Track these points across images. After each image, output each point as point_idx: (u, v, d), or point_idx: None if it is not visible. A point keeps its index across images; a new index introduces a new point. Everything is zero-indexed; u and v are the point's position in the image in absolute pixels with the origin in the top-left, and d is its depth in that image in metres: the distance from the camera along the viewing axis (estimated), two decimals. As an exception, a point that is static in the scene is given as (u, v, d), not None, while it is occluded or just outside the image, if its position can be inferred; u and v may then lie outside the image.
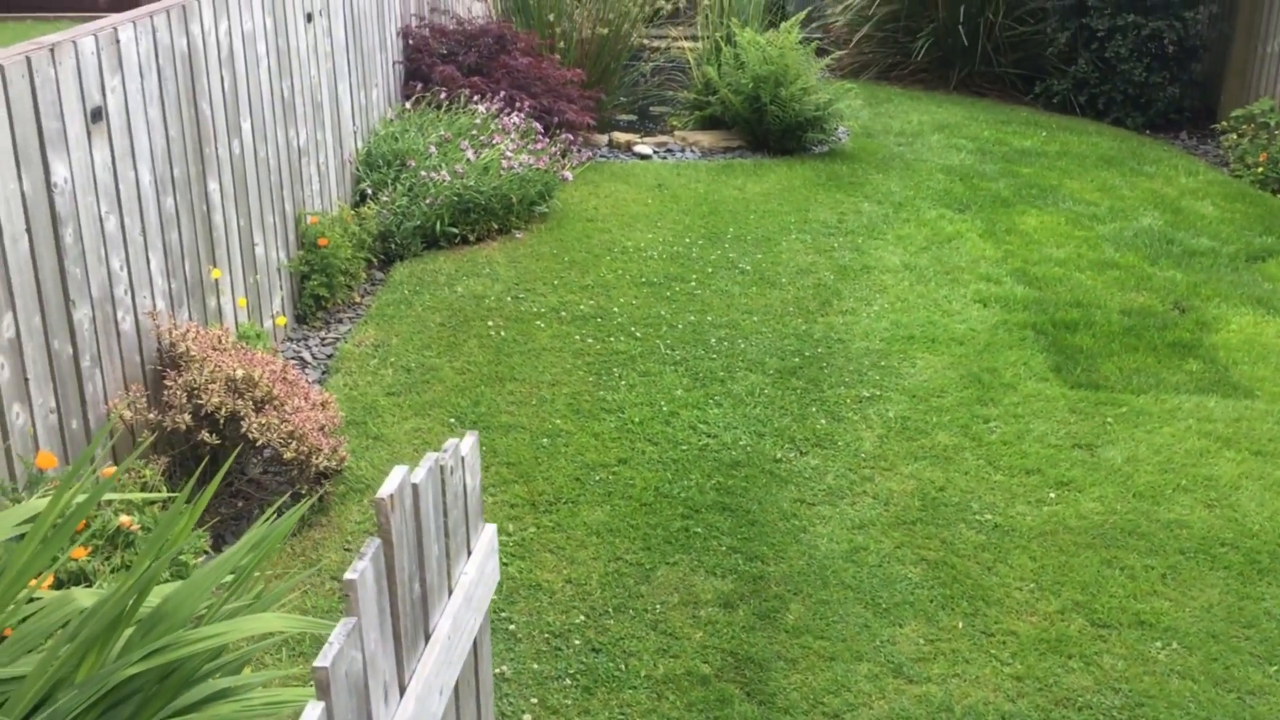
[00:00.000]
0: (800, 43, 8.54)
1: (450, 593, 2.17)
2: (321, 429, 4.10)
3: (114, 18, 3.86)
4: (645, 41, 9.78)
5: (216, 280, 4.60)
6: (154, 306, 4.04)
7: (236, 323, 4.83)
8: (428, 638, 2.04)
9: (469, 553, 2.29)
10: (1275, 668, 3.46)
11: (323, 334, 5.54)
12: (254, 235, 5.04)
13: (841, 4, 11.15)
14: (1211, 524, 4.15)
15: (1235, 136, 9.26)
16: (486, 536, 2.36)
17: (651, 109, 9.84)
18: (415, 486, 1.96)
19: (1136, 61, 9.97)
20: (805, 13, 9.02)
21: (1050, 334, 5.64)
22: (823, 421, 4.82)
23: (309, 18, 5.72)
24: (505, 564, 3.89)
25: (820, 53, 11.49)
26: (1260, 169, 8.53)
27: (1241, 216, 7.49)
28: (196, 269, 4.41)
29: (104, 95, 3.69)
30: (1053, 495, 4.32)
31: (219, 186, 4.63)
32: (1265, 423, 4.84)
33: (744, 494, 4.31)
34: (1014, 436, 4.72)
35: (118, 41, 3.77)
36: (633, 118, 9.62)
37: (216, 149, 4.60)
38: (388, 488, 1.86)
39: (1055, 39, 10.25)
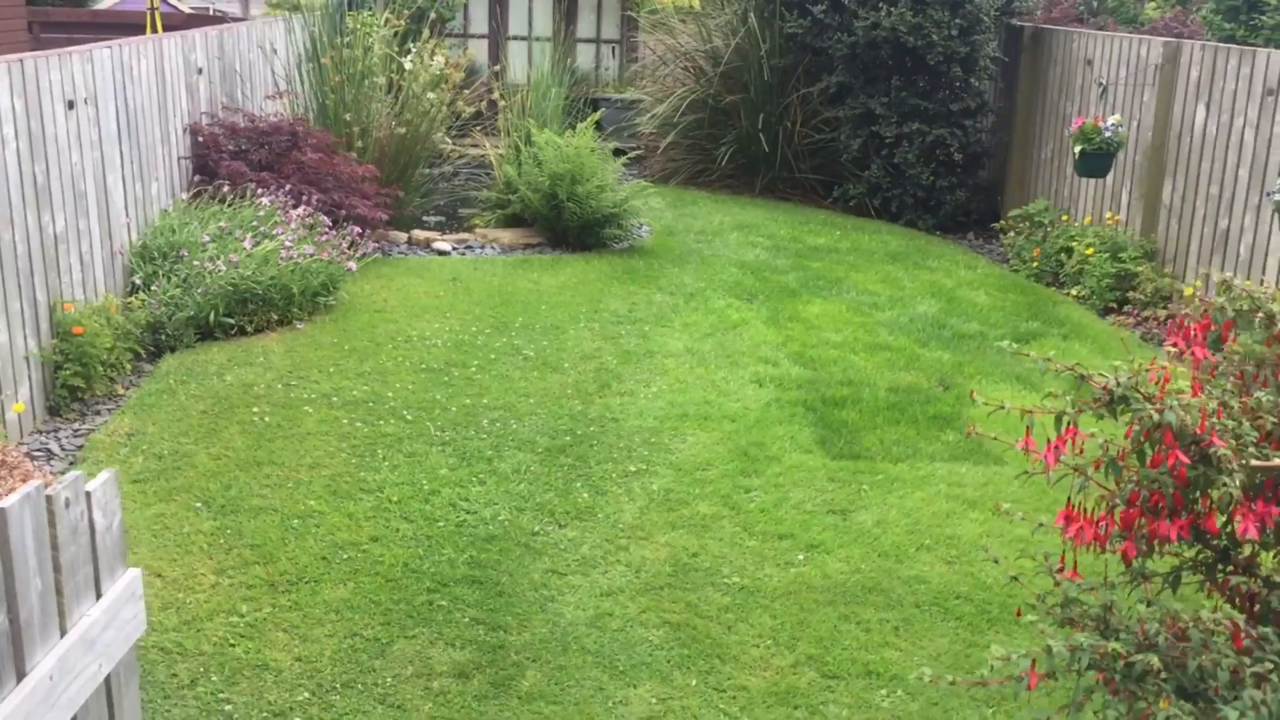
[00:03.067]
0: (599, 144, 8.77)
1: (64, 634, 2.05)
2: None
3: None
4: (450, 142, 9.90)
5: (-59, 363, 4.38)
6: None
7: (-33, 409, 4.59)
8: (20, 677, 1.92)
9: (98, 595, 2.18)
10: (992, 710, 3.53)
11: (76, 425, 5.31)
12: (-6, 320, 4.83)
13: (648, 113, 11.54)
14: (949, 579, 4.26)
15: (1013, 235, 9.84)
16: (125, 581, 2.25)
17: (461, 210, 9.93)
18: (3, 512, 1.86)
19: (924, 167, 10.55)
20: (600, 113, 9.29)
21: (819, 410, 5.79)
22: (585, 495, 4.81)
23: (70, 105, 5.62)
24: (231, 645, 3.71)
25: (636, 161, 11.87)
26: (1035, 263, 9.05)
27: (1012, 304, 7.90)
28: (-85, 349, 4.20)
29: None
30: (801, 557, 4.38)
31: (-53, 266, 4.44)
32: (1010, 486, 5.03)
33: (496, 567, 4.25)
34: (772, 505, 4.79)
35: None
36: (441, 218, 9.69)
37: (-55, 227, 4.43)
38: (-39, 509, 1.77)
39: (849, 146, 10.78)
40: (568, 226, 8.45)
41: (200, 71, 7.74)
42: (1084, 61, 9.53)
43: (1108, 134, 8.17)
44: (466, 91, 9.27)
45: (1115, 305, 8.10)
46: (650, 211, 9.80)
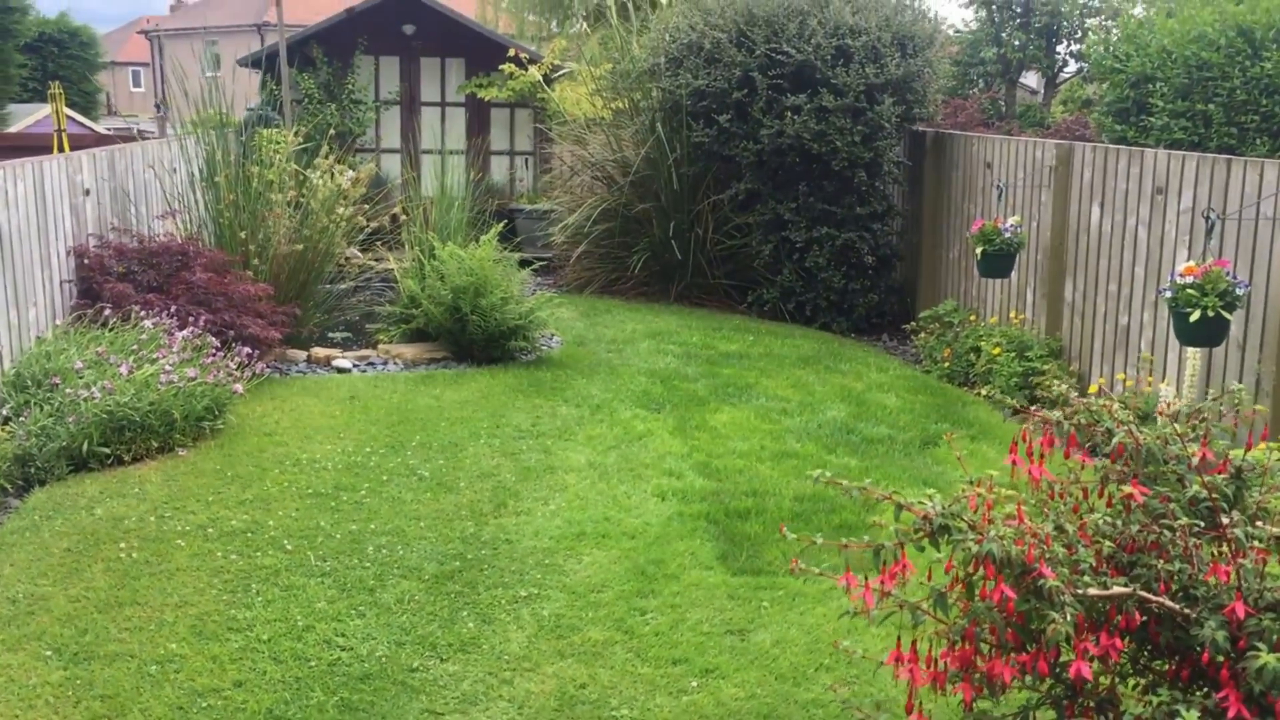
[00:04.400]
0: (504, 255, 8.68)
1: None
2: None
3: None
4: (360, 256, 9.77)
5: None
6: None
7: None
8: None
9: None
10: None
11: (-71, 569, 4.96)
12: None
13: (560, 223, 11.52)
14: (847, 701, 4.05)
15: (925, 336, 9.86)
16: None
17: (368, 326, 9.73)
18: None
19: (835, 270, 10.60)
20: (503, 225, 9.20)
21: (722, 523, 5.61)
22: (471, 625, 4.55)
23: (-69, 230, 5.39)
24: (66, 812, 3.39)
25: (552, 271, 11.82)
26: (946, 364, 9.04)
27: (922, 406, 7.84)
28: None
29: None
30: (695, 684, 4.16)
31: None
32: (916, 594, 4.85)
33: (369, 709, 3.97)
34: (668, 627, 4.57)
35: None
36: (347, 334, 9.48)
37: None
38: None
39: (760, 251, 10.81)
40: (472, 340, 8.29)
41: (88, 193, 7.55)
42: (984, 164, 9.69)
43: (1007, 235, 8.24)
44: (367, 205, 9.15)
45: (1024, 405, 8.06)
46: (561, 322, 9.71)
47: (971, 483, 2.06)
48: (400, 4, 13.72)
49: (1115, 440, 2.08)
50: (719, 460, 6.51)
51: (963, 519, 1.91)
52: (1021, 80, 26.59)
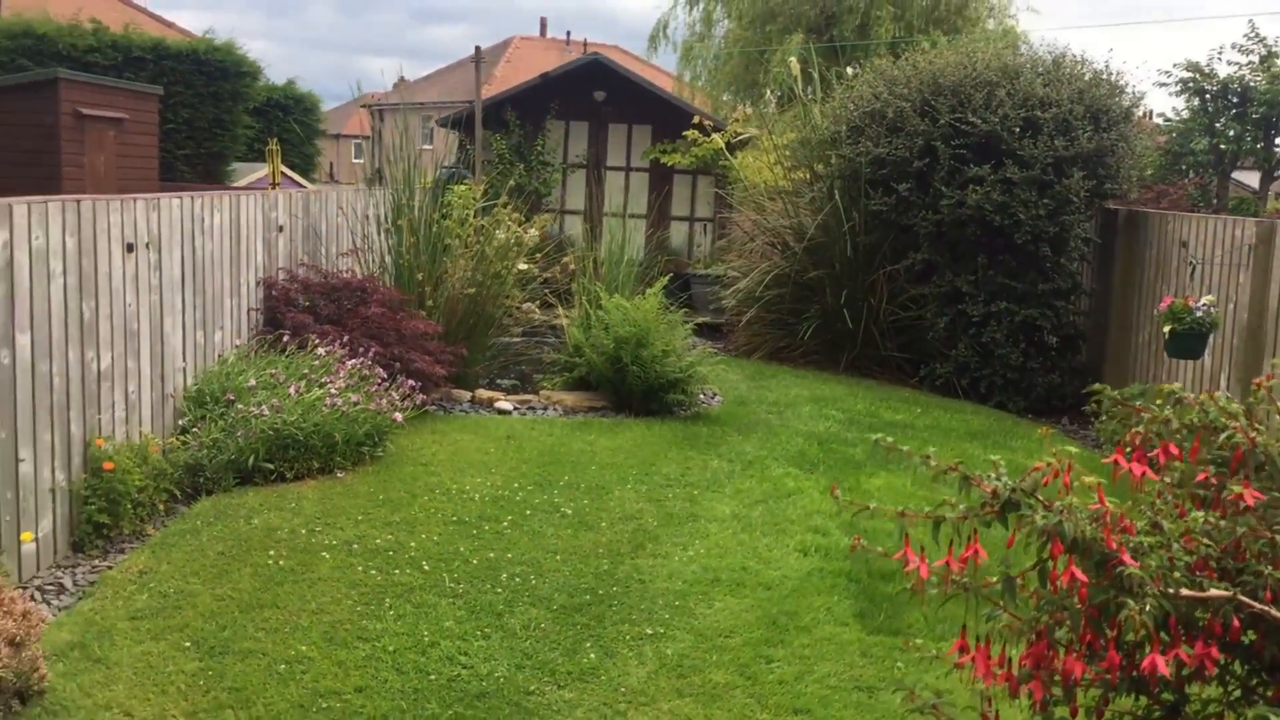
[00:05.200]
0: (669, 309, 8.73)
1: None
2: (13, 641, 3.78)
3: None
4: (537, 310, 10.03)
5: (-49, 484, 4.38)
6: None
7: (-26, 533, 4.56)
8: None
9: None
10: None
11: (96, 562, 5.24)
12: (19, 450, 4.85)
13: (731, 288, 11.53)
14: (977, 768, 3.78)
15: (1106, 419, 9.33)
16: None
17: (536, 375, 9.91)
18: None
19: (1013, 347, 10.20)
20: (667, 278, 9.24)
21: (864, 582, 5.40)
22: (593, 656, 4.50)
23: (129, 248, 5.79)
24: (178, 790, 3.47)
25: (722, 335, 11.82)
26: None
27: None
28: (-77, 468, 4.21)
29: None
30: (813, 736, 3.98)
31: (-29, 389, 4.50)
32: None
33: (479, 727, 3.95)
34: (793, 677, 4.40)
35: None
36: (514, 381, 9.68)
37: (-26, 351, 4.51)
38: None
39: (935, 324, 10.52)
40: (631, 390, 8.33)
41: (281, 229, 8.00)
42: (1179, 243, 9.21)
43: (1199, 314, 7.76)
44: (539, 255, 9.39)
45: (1212, 493, 7.52)
46: (724, 382, 9.67)
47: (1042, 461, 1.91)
48: (592, 70, 14.18)
49: (1223, 438, 1.88)
50: (868, 522, 6.28)
51: (1035, 496, 1.76)
52: (1240, 179, 25.33)
